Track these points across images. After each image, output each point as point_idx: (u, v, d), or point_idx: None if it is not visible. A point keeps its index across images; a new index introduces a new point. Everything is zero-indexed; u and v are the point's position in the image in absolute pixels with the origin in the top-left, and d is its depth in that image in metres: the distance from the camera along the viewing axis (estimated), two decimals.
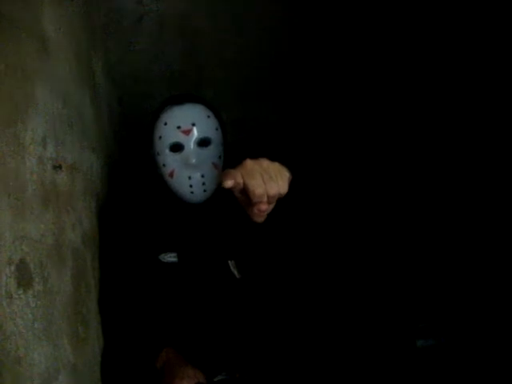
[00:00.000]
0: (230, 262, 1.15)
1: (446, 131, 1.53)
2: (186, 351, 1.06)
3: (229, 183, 0.75)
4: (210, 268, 1.14)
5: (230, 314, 1.11)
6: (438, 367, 1.25)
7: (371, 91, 1.76)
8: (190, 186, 1.14)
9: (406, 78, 1.67)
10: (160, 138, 1.16)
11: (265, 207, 0.77)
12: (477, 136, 1.40)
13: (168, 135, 1.14)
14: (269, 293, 1.15)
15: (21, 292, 0.66)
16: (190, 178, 1.14)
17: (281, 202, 0.80)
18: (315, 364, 1.06)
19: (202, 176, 1.14)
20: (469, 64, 1.43)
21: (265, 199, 0.76)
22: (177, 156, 1.14)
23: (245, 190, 0.77)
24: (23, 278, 0.67)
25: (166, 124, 1.15)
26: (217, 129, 1.17)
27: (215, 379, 1.06)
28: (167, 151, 1.15)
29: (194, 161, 1.13)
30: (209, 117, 1.17)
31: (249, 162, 0.77)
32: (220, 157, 1.17)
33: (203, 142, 1.15)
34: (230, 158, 1.16)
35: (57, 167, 0.88)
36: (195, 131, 1.14)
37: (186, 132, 1.13)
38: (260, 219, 0.81)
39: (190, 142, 1.14)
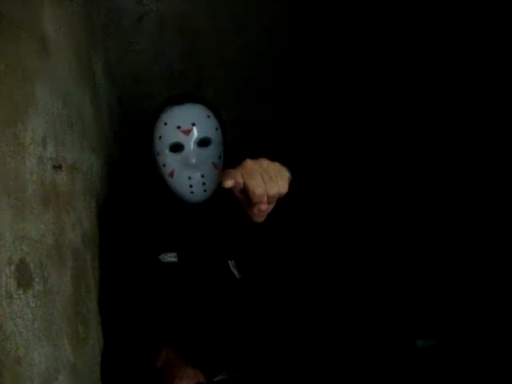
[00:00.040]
0: (230, 261, 1.15)
1: (446, 131, 1.53)
2: (185, 351, 1.06)
3: (229, 183, 0.75)
4: (209, 268, 1.14)
5: (230, 314, 1.11)
6: (438, 367, 1.25)
7: (371, 91, 1.76)
8: (190, 186, 1.14)
9: (406, 77, 1.67)
10: (160, 137, 1.16)
11: (265, 207, 0.77)
12: (477, 136, 1.40)
13: (168, 135, 1.14)
14: (269, 293, 1.15)
15: (21, 292, 0.66)
16: (190, 178, 1.14)
17: (281, 202, 0.80)
18: (315, 364, 1.06)
19: (202, 176, 1.14)
20: (469, 64, 1.43)
21: (265, 199, 0.76)
22: (177, 156, 1.14)
23: (245, 190, 0.77)
24: (23, 278, 0.67)
25: (166, 124, 1.15)
26: (217, 129, 1.17)
27: (215, 379, 1.06)
28: (167, 151, 1.15)
29: (194, 161, 1.13)
30: (209, 117, 1.17)
31: (249, 162, 0.77)
32: (220, 157, 1.17)
33: (203, 142, 1.15)
34: (230, 158, 1.16)
35: (57, 167, 0.88)
36: (195, 131, 1.14)
37: (186, 132, 1.13)
38: (260, 219, 0.81)
39: (190, 142, 1.14)
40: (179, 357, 1.04)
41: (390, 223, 1.60)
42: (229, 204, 0.98)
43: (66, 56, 1.06)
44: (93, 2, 1.55)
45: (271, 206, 0.79)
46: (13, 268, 0.64)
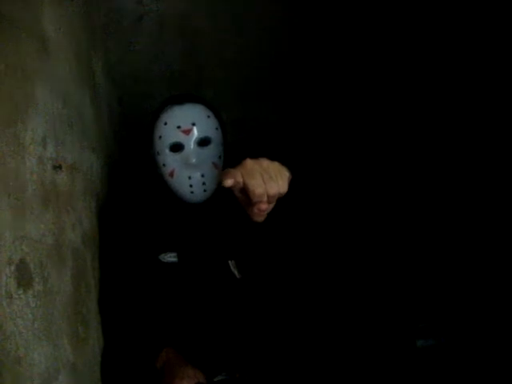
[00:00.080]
0: (230, 261, 1.15)
1: (446, 131, 1.53)
2: (185, 351, 1.06)
3: (229, 182, 0.75)
4: (210, 268, 1.14)
5: (230, 314, 1.11)
6: (438, 367, 1.25)
7: (371, 91, 1.76)
8: (190, 185, 1.14)
9: (406, 77, 1.67)
10: (160, 137, 1.16)
11: (265, 207, 0.77)
12: (477, 136, 1.40)
13: (168, 135, 1.15)
14: (269, 293, 1.15)
15: (21, 292, 0.66)
16: (190, 177, 1.14)
17: (281, 201, 0.80)
18: (315, 364, 1.06)
19: (202, 176, 1.14)
20: (469, 64, 1.43)
21: (265, 199, 0.76)
22: (177, 156, 1.14)
23: (245, 190, 0.77)
24: (23, 278, 0.67)
25: (166, 124, 1.15)
26: (217, 128, 1.17)
27: (215, 379, 1.06)
28: (167, 151, 1.15)
29: (194, 160, 1.13)
30: (209, 117, 1.17)
31: (249, 162, 0.77)
32: (220, 157, 1.17)
33: (203, 142, 1.15)
34: (230, 158, 1.16)
35: (57, 167, 0.88)
36: (195, 131, 1.14)
37: (186, 132, 1.13)
38: (260, 219, 0.81)
39: (190, 142, 1.14)
40: (179, 357, 1.04)
41: (390, 223, 1.60)
42: (229, 204, 0.98)
43: (66, 56, 1.06)
44: (93, 1, 1.55)
45: (271, 206, 0.79)
46: (13, 268, 0.64)
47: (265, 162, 0.78)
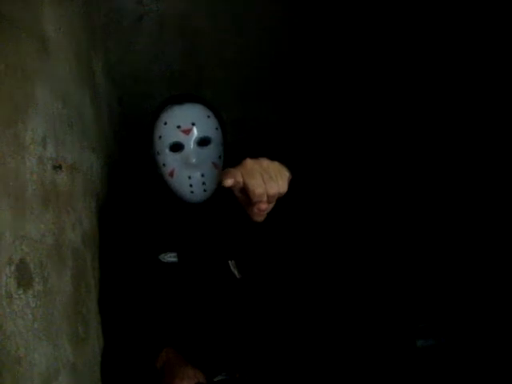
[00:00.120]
0: (230, 261, 1.15)
1: (446, 131, 1.53)
2: (186, 351, 1.06)
3: (228, 182, 0.75)
4: (210, 268, 1.14)
5: (230, 314, 1.11)
6: (438, 367, 1.25)
7: (371, 91, 1.76)
8: (190, 185, 1.14)
9: (406, 77, 1.67)
10: (160, 137, 1.16)
11: (265, 207, 0.77)
12: (477, 136, 1.40)
13: (168, 135, 1.15)
14: (269, 293, 1.15)
15: (21, 292, 0.66)
16: (189, 177, 1.14)
17: (280, 201, 0.80)
18: (315, 364, 1.06)
19: (202, 175, 1.14)
20: (469, 64, 1.43)
21: (265, 199, 0.76)
22: (177, 156, 1.14)
23: (245, 190, 0.77)
24: (23, 278, 0.67)
25: (166, 123, 1.15)
26: (217, 128, 1.17)
27: (215, 379, 1.06)
28: (167, 151, 1.15)
29: (193, 160, 1.13)
30: (209, 116, 1.17)
31: (249, 162, 0.77)
32: (220, 156, 1.17)
33: (203, 142, 1.15)
34: (230, 158, 1.16)
35: (57, 167, 0.88)
36: (195, 131, 1.14)
37: (186, 131, 1.13)
38: (260, 219, 0.81)
39: (190, 142, 1.14)
40: (179, 357, 1.04)
41: (390, 223, 1.60)
42: (229, 204, 0.98)
43: (66, 56, 1.06)
44: (93, 1, 1.55)
45: (271, 206, 0.79)
46: (13, 268, 0.64)
47: (265, 162, 0.78)
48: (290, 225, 1.18)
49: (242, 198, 0.80)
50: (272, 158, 0.80)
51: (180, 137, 1.14)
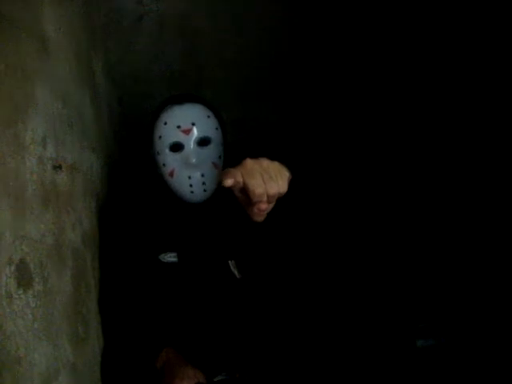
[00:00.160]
0: (230, 261, 1.15)
1: (446, 131, 1.53)
2: (186, 351, 1.06)
3: (228, 182, 0.75)
4: (210, 268, 1.14)
5: (230, 314, 1.11)
6: (438, 367, 1.25)
7: (371, 91, 1.76)
8: (190, 185, 1.14)
9: (406, 77, 1.67)
10: (160, 137, 1.16)
11: (264, 206, 0.77)
12: (477, 136, 1.40)
13: (168, 135, 1.15)
14: (269, 293, 1.15)
15: (21, 292, 0.66)
16: (189, 177, 1.14)
17: (280, 201, 0.80)
18: (315, 364, 1.06)
19: (202, 175, 1.14)
20: (469, 64, 1.43)
21: (265, 198, 0.76)
22: (177, 155, 1.14)
23: (245, 190, 0.77)
24: (23, 278, 0.67)
25: (166, 123, 1.15)
26: (217, 128, 1.17)
27: (215, 379, 1.06)
28: (167, 151, 1.15)
29: (193, 160, 1.13)
30: (209, 116, 1.17)
31: (249, 162, 0.77)
32: (220, 156, 1.17)
33: (203, 142, 1.15)
34: (230, 158, 1.16)
35: (57, 167, 0.88)
36: (195, 131, 1.14)
37: (186, 131, 1.13)
38: (260, 218, 0.81)
39: (190, 142, 1.14)
40: (179, 357, 1.04)
41: (390, 223, 1.60)
42: (229, 204, 0.98)
43: (66, 56, 1.06)
44: (93, 2, 1.55)
45: (271, 206, 0.79)
46: (13, 268, 0.64)
47: (265, 162, 0.78)
48: (289, 225, 1.18)
49: (242, 198, 0.80)
50: (272, 157, 0.80)
51: (180, 137, 1.14)
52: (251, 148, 0.98)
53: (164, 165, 1.16)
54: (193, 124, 1.14)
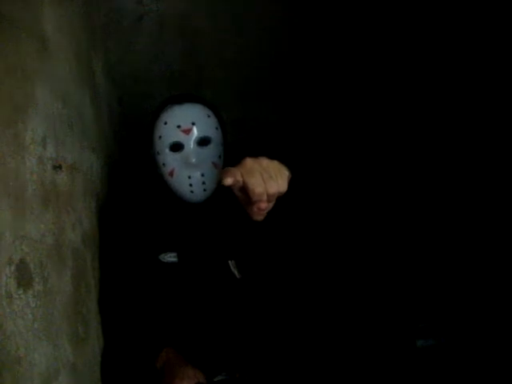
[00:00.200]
0: (230, 261, 1.15)
1: (446, 131, 1.53)
2: (186, 351, 1.06)
3: (228, 181, 0.75)
4: (210, 268, 1.14)
5: (230, 314, 1.11)
6: (438, 367, 1.25)
7: (371, 91, 1.76)
8: (190, 185, 1.14)
9: (406, 77, 1.67)
10: (160, 137, 1.16)
11: (264, 206, 0.77)
12: (477, 136, 1.40)
13: (168, 134, 1.15)
14: (269, 293, 1.15)
15: (21, 292, 0.66)
16: (189, 177, 1.14)
17: (280, 200, 0.80)
18: (315, 364, 1.06)
19: (202, 175, 1.14)
20: (469, 64, 1.43)
21: (264, 198, 0.76)
22: (177, 155, 1.14)
23: (244, 189, 0.77)
24: (23, 278, 0.67)
25: (166, 123, 1.15)
26: (217, 128, 1.17)
27: (215, 379, 1.06)
28: (167, 150, 1.15)
29: (193, 160, 1.13)
30: (209, 116, 1.17)
31: (248, 161, 0.77)
32: (220, 156, 1.17)
33: (203, 142, 1.15)
34: (230, 158, 1.16)
35: (57, 167, 0.88)
36: (195, 130, 1.14)
37: (186, 131, 1.13)
38: (259, 218, 0.81)
39: (190, 142, 1.14)
40: (179, 357, 1.04)
41: (390, 223, 1.60)
42: (228, 203, 0.98)
43: (66, 56, 1.06)
44: (93, 1, 1.55)
45: (271, 205, 0.79)
46: (13, 268, 0.64)
47: (264, 161, 0.78)
48: (289, 224, 1.17)
49: (242, 197, 0.80)
50: (271, 157, 0.80)
51: (180, 136, 1.14)
52: (251, 148, 0.98)
53: (164, 165, 1.16)
54: (193, 124, 1.14)
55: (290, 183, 0.80)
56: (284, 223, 1.11)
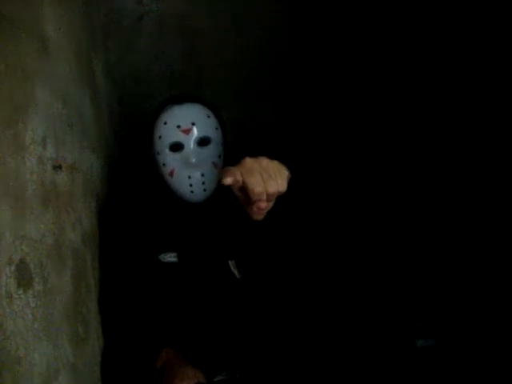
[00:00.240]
0: (230, 261, 1.15)
1: (446, 131, 1.53)
2: (186, 351, 1.06)
3: (228, 180, 0.75)
4: (210, 268, 1.14)
5: (230, 314, 1.11)
6: (438, 367, 1.25)
7: (371, 91, 1.76)
8: (190, 185, 1.14)
9: (406, 77, 1.67)
10: (160, 137, 1.16)
11: (264, 205, 0.77)
12: (477, 136, 1.40)
13: (168, 134, 1.15)
14: (269, 293, 1.15)
15: (21, 292, 0.66)
16: (189, 177, 1.14)
17: (280, 200, 0.80)
18: (315, 364, 1.06)
19: (202, 175, 1.14)
20: (469, 64, 1.43)
21: (264, 197, 0.76)
22: (177, 155, 1.14)
23: (244, 188, 0.77)
24: (23, 278, 0.67)
25: (165, 123, 1.15)
26: (217, 128, 1.17)
27: (215, 379, 1.06)
28: (167, 151, 1.15)
29: (193, 160, 1.13)
30: (209, 116, 1.17)
31: (248, 161, 0.77)
32: (220, 156, 1.17)
33: (203, 142, 1.15)
34: (230, 158, 1.16)
35: (57, 167, 0.88)
36: (195, 130, 1.14)
37: (186, 131, 1.14)
38: (259, 217, 0.81)
39: (190, 142, 1.14)
40: (179, 357, 1.04)
41: (390, 223, 1.60)
42: (228, 203, 0.98)
43: (66, 56, 1.06)
44: (93, 1, 1.55)
45: (270, 204, 0.79)
46: (13, 268, 0.64)
47: (264, 161, 0.78)
48: (289, 224, 1.18)
49: (242, 196, 0.80)
50: (271, 157, 0.80)
51: (180, 137, 1.14)
52: (251, 148, 0.98)
53: (164, 165, 1.16)
54: (193, 124, 1.14)
55: (290, 183, 0.80)
56: (284, 223, 1.11)
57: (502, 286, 1.30)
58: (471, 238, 1.43)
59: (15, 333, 0.63)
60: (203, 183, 1.14)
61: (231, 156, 1.16)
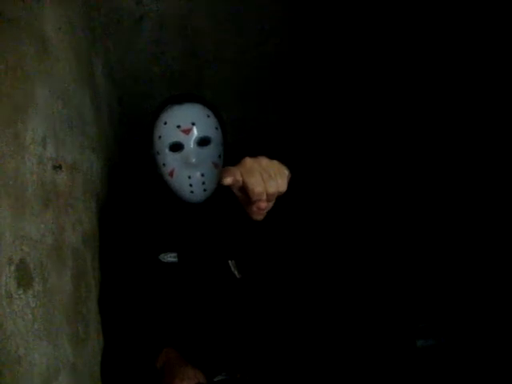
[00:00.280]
0: (230, 261, 1.15)
1: (446, 131, 1.53)
2: (186, 351, 1.06)
3: (228, 180, 0.75)
4: (210, 268, 1.14)
5: (230, 314, 1.11)
6: (438, 367, 1.25)
7: (371, 91, 1.76)
8: (190, 185, 1.14)
9: (406, 78, 1.67)
10: (160, 137, 1.16)
11: (264, 205, 0.77)
12: (477, 136, 1.40)
13: (168, 135, 1.15)
14: (269, 293, 1.15)
15: (21, 292, 0.66)
16: (189, 177, 1.14)
17: (280, 200, 0.80)
18: (315, 364, 1.06)
19: (202, 175, 1.14)
20: (469, 64, 1.43)
21: (264, 197, 0.76)
22: (177, 155, 1.14)
23: (244, 188, 0.77)
24: (23, 278, 0.67)
25: (165, 123, 1.15)
26: (217, 128, 1.17)
27: (215, 379, 1.06)
28: (167, 151, 1.15)
29: (193, 160, 1.13)
30: (209, 116, 1.17)
31: (248, 160, 0.77)
32: (220, 156, 1.17)
33: (203, 142, 1.15)
34: (230, 158, 1.16)
35: (57, 167, 0.88)
36: (195, 130, 1.14)
37: (186, 131, 1.14)
38: (259, 217, 0.81)
39: (190, 142, 1.14)
40: (179, 357, 1.04)
41: (390, 223, 1.60)
42: (228, 203, 0.98)
43: (66, 56, 1.06)
44: (93, 1, 1.55)
45: (270, 204, 0.79)
46: (13, 268, 0.64)
47: (264, 161, 0.78)
48: (289, 224, 1.18)
49: (242, 196, 0.80)
50: (271, 157, 0.80)
51: (180, 137, 1.14)
52: (251, 148, 0.98)
53: (164, 165, 1.16)
54: (193, 124, 1.14)
55: (290, 183, 0.80)
56: (284, 223, 1.11)
57: (501, 286, 1.30)
58: (471, 239, 1.43)
59: (15, 333, 0.63)
60: (203, 183, 1.14)
61: (231, 156, 1.16)
